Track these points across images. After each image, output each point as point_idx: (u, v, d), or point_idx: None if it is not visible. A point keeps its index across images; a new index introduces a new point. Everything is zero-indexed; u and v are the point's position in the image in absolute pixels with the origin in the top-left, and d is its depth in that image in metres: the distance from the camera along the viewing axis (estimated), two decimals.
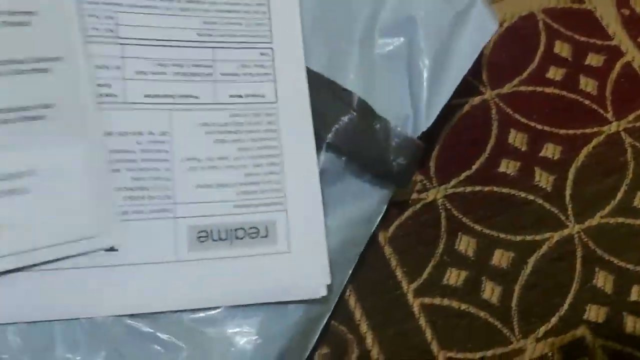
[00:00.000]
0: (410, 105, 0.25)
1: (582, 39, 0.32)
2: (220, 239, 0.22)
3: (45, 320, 0.20)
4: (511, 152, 0.29)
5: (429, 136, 0.27)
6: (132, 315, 0.21)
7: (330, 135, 0.24)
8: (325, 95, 0.24)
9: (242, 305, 0.21)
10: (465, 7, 0.25)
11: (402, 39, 0.25)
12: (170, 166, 0.22)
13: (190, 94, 0.23)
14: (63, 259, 0.20)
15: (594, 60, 0.31)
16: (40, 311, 0.20)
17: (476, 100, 0.30)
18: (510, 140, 0.29)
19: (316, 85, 0.24)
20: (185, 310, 0.21)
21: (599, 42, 0.32)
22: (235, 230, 0.23)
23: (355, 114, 0.24)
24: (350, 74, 0.24)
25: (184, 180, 0.22)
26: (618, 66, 0.31)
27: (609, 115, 0.30)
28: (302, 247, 0.22)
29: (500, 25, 0.32)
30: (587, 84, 0.31)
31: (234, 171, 0.23)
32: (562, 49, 0.32)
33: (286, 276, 0.21)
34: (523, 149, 0.29)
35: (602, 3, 0.33)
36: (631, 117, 0.30)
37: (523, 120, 0.30)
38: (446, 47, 0.24)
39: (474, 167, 0.29)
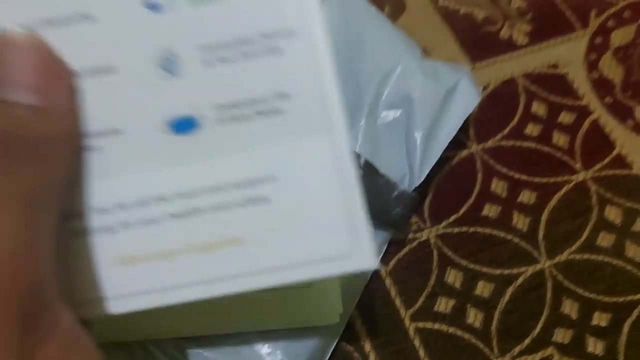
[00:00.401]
0: (406, 165, 0.30)
1: (556, 99, 0.37)
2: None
3: None
4: (493, 198, 0.34)
5: (424, 184, 0.33)
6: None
7: None
8: None
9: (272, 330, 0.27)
10: (454, 84, 0.31)
11: (400, 112, 0.30)
12: None
13: None
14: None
15: (565, 118, 0.37)
16: None
17: (464, 153, 0.35)
18: (493, 188, 0.35)
19: None
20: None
21: (570, 102, 0.37)
22: None
23: (362, 172, 0.30)
24: (359, 139, 0.30)
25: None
26: (587, 123, 0.36)
27: (578, 166, 0.35)
28: (320, 284, 0.27)
29: (485, 88, 0.37)
30: (560, 139, 0.36)
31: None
32: (538, 108, 0.37)
33: (307, 307, 0.26)
34: (503, 195, 0.34)
35: (574, 68, 0.38)
36: (597, 167, 0.35)
37: (504, 170, 0.35)
38: (437, 119, 0.30)
39: (462, 211, 0.34)
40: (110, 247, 0.16)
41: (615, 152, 0.36)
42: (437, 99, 0.30)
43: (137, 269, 0.16)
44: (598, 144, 0.36)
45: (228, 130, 0.16)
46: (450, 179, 0.35)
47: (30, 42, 0.15)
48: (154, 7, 0.15)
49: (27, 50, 0.14)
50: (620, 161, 0.35)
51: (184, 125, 0.16)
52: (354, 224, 0.17)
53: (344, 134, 0.17)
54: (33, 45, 0.15)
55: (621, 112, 0.37)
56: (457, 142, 0.35)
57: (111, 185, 0.16)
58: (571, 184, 0.35)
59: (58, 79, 0.15)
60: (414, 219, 0.34)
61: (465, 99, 0.30)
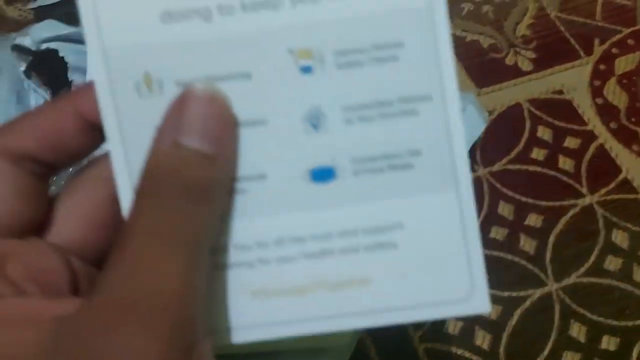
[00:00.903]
0: None
1: (561, 124, 0.38)
2: None
3: None
4: (500, 221, 0.35)
5: None
6: None
7: None
8: None
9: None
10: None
11: None
12: None
13: None
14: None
15: (571, 142, 0.37)
16: None
17: (470, 176, 0.36)
18: (500, 210, 0.35)
19: None
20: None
21: (576, 127, 0.38)
22: None
23: None
24: None
25: None
26: (592, 148, 0.37)
27: (584, 190, 0.36)
28: None
29: (492, 113, 0.38)
30: (565, 163, 0.37)
31: None
32: (544, 133, 0.37)
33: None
34: (510, 218, 0.35)
35: (579, 93, 0.39)
36: (603, 191, 0.36)
37: (510, 193, 0.36)
38: None
39: None
40: (247, 281, 0.18)
41: (621, 177, 0.36)
42: None
43: (270, 302, 0.18)
44: (604, 169, 0.36)
45: (362, 181, 0.18)
46: None
47: (210, 96, 0.17)
48: (306, 70, 0.18)
49: (206, 102, 0.16)
50: (627, 185, 0.36)
51: (323, 175, 0.18)
52: (473, 272, 0.18)
53: (469, 189, 0.18)
54: (211, 98, 0.17)
55: (626, 137, 0.37)
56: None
57: (253, 224, 0.18)
58: (577, 208, 0.35)
59: (229, 131, 0.17)
60: None
61: (472, 126, 0.31)
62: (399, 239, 0.18)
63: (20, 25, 0.40)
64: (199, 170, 0.16)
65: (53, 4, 0.30)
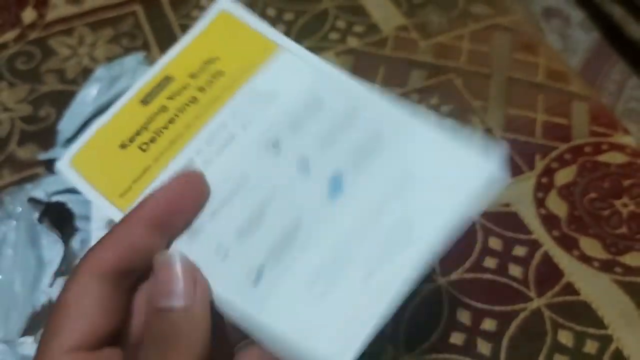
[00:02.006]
0: None
1: (510, 234, 0.43)
2: None
3: None
4: (459, 326, 0.39)
5: (399, 316, 0.37)
6: None
7: None
8: None
9: None
10: None
11: None
12: None
13: None
14: None
15: (519, 251, 0.42)
16: None
17: (432, 286, 0.40)
18: (458, 317, 0.39)
19: None
20: None
21: (522, 237, 0.43)
22: None
23: None
24: None
25: None
26: (538, 255, 0.42)
27: (532, 295, 0.40)
28: None
29: None
30: (515, 270, 0.41)
31: None
32: (494, 243, 0.42)
33: None
34: (467, 324, 0.39)
35: (524, 206, 0.44)
36: (549, 294, 0.40)
37: (467, 300, 0.40)
38: None
39: (432, 339, 0.39)
40: None
41: (564, 280, 0.41)
42: None
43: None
44: (549, 274, 0.41)
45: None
46: (421, 309, 0.40)
47: (182, 264, 0.22)
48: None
49: (179, 268, 0.22)
50: (569, 288, 0.40)
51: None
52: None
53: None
54: (184, 265, 0.22)
55: (567, 244, 0.42)
56: (426, 276, 0.40)
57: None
58: (527, 311, 0.40)
59: (199, 285, 0.22)
60: (390, 347, 0.38)
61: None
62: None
63: (30, 166, 0.45)
64: (180, 324, 0.21)
65: None
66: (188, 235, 0.24)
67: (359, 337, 0.22)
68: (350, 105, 0.26)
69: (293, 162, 0.25)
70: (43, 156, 0.38)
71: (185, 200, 0.23)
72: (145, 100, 0.26)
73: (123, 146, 0.25)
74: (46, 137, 0.47)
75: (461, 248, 0.42)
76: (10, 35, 0.55)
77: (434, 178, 0.24)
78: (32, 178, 0.43)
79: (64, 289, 0.21)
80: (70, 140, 0.35)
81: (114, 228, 0.22)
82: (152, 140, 0.25)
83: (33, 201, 0.34)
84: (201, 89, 0.26)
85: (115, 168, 0.25)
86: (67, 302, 0.21)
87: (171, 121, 0.26)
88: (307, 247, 0.23)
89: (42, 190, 0.34)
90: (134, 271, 0.22)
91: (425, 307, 0.40)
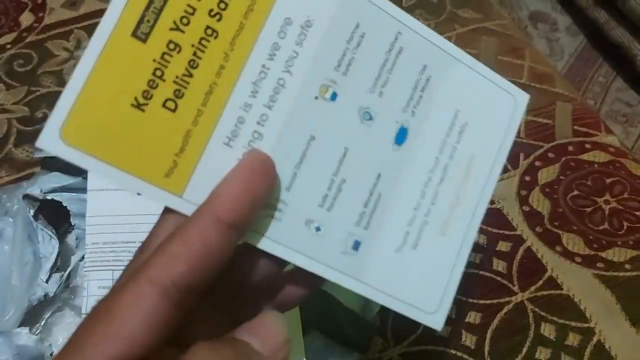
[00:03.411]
0: (365, 297, 0.36)
1: (494, 230, 0.44)
2: None
3: None
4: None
5: (387, 309, 0.38)
6: None
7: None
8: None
9: None
10: None
11: None
12: None
13: None
14: None
15: (503, 246, 0.43)
16: None
17: None
18: None
19: None
20: None
21: (506, 232, 0.44)
22: None
23: (328, 305, 0.35)
24: None
25: None
26: (521, 250, 0.43)
27: (515, 289, 0.41)
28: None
29: None
30: (499, 265, 0.42)
31: None
32: (479, 238, 0.43)
33: None
34: (453, 317, 0.40)
35: (508, 203, 0.45)
36: (532, 289, 0.41)
37: None
38: None
39: (418, 331, 0.40)
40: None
41: (547, 275, 0.42)
42: None
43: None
44: (532, 268, 0.42)
45: None
46: None
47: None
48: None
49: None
50: (552, 282, 0.42)
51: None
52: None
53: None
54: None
55: (550, 240, 0.43)
56: None
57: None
58: (510, 305, 0.41)
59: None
60: (379, 340, 0.39)
61: None
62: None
63: (26, 166, 0.46)
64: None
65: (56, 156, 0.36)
66: (272, 221, 0.21)
67: (450, 288, 0.24)
68: (390, 34, 0.23)
69: (354, 113, 0.22)
70: (39, 154, 0.39)
71: (259, 188, 0.19)
72: (139, 34, 0.19)
73: (138, 105, 0.19)
74: None
75: None
76: (8, 38, 0.56)
77: (480, 113, 0.24)
78: (28, 177, 0.44)
79: (116, 292, 0.18)
80: None
81: (182, 228, 0.18)
82: (178, 94, 0.20)
83: (28, 198, 0.35)
84: (214, 14, 0.20)
85: (139, 137, 0.19)
86: (113, 310, 0.17)
87: (193, 65, 0.20)
88: (393, 202, 0.23)
89: (37, 187, 0.35)
90: (203, 284, 0.18)
91: None
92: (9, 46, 0.55)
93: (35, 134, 0.51)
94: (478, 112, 0.24)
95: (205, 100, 0.20)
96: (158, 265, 0.18)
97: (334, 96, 0.22)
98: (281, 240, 0.21)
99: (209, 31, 0.20)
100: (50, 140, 0.18)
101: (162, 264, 0.18)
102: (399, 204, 0.23)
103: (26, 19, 0.58)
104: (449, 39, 0.56)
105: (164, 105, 0.19)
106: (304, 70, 0.21)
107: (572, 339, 0.39)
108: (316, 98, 0.21)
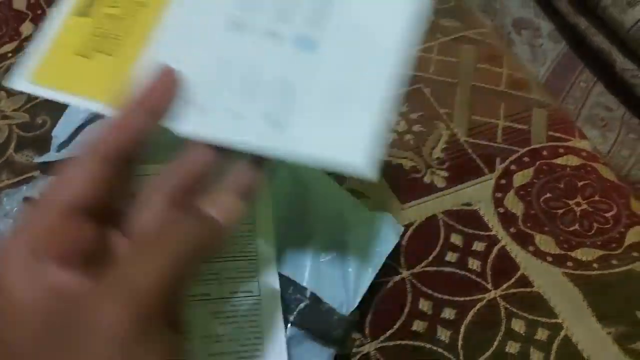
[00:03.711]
0: (344, 295, 0.38)
1: (470, 231, 0.46)
2: None
3: None
4: (421, 315, 0.42)
5: (365, 305, 0.41)
6: None
7: (292, 317, 0.37)
8: (290, 290, 0.38)
9: None
10: (377, 231, 0.40)
11: (337, 254, 0.39)
12: None
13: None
14: None
15: (478, 246, 0.45)
16: None
17: (397, 278, 0.44)
18: (420, 306, 0.43)
19: (285, 284, 0.38)
20: None
21: (482, 233, 0.46)
22: None
23: (309, 302, 0.38)
24: (305, 276, 0.38)
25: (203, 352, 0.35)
26: (495, 250, 0.45)
27: (489, 286, 0.44)
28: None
29: (413, 224, 0.46)
30: (473, 264, 0.45)
31: (233, 343, 0.36)
32: (456, 239, 0.46)
33: None
34: (429, 313, 0.42)
35: (484, 205, 0.47)
36: (504, 286, 0.44)
37: (429, 291, 0.43)
38: (364, 258, 0.39)
39: (395, 327, 0.42)
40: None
41: (519, 274, 0.44)
42: (364, 243, 0.39)
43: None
44: (505, 267, 0.45)
45: None
46: (386, 300, 0.43)
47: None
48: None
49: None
50: (524, 280, 0.44)
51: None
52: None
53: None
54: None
55: (523, 240, 0.46)
56: (391, 269, 0.44)
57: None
58: (484, 302, 0.43)
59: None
60: (357, 335, 0.41)
61: (386, 242, 0.39)
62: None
63: (26, 170, 0.49)
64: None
65: (54, 161, 0.39)
66: (199, 114, 0.27)
67: (375, 144, 0.26)
68: None
69: (262, 36, 0.28)
70: (38, 159, 0.41)
71: (169, 85, 0.27)
72: (83, 12, 0.30)
73: (85, 55, 0.29)
74: (42, 143, 0.50)
75: (425, 243, 0.45)
76: (9, 47, 0.58)
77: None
78: (28, 181, 0.47)
79: (63, 165, 0.25)
80: (63, 144, 0.39)
81: (118, 116, 0.26)
82: (115, 43, 0.29)
83: (28, 201, 0.37)
84: None
85: (87, 73, 0.29)
86: (62, 174, 0.24)
87: (125, 25, 0.29)
88: (307, 91, 0.27)
89: (36, 190, 0.37)
90: (136, 158, 0.26)
91: (390, 297, 0.43)
92: (10, 55, 0.58)
93: (35, 139, 0.54)
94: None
95: (135, 44, 0.29)
96: (100, 142, 0.25)
97: (240, 27, 0.29)
98: (207, 127, 0.27)
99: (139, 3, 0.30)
100: (20, 82, 0.29)
101: (102, 140, 0.25)
102: (317, 88, 0.28)
103: (27, 28, 0.60)
104: (431, 48, 0.59)
105: (104, 52, 0.29)
106: (213, 12, 0.29)
107: (541, 334, 0.42)
108: (227, 32, 0.29)
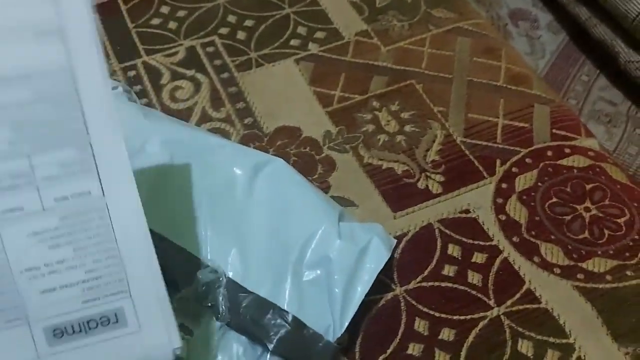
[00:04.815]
0: (330, 318, 0.34)
1: (469, 241, 0.42)
2: (75, 332, 0.27)
3: None
4: (416, 336, 0.38)
5: (355, 328, 0.36)
6: None
7: (272, 345, 0.33)
8: (269, 314, 0.34)
9: None
10: (366, 244, 0.35)
11: (321, 271, 0.35)
12: (10, 280, 0.25)
13: (15, 207, 0.25)
14: None
15: (478, 258, 0.41)
16: None
17: (389, 295, 0.40)
18: (416, 327, 0.38)
19: (263, 307, 0.34)
20: None
21: (482, 243, 0.42)
22: (87, 322, 0.27)
23: (290, 327, 0.33)
24: (286, 298, 0.34)
25: (28, 289, 0.26)
26: (497, 262, 0.41)
27: (491, 302, 0.39)
28: (151, 322, 0.27)
29: (406, 234, 0.42)
30: (474, 277, 0.40)
31: (74, 271, 0.26)
32: (453, 250, 0.42)
33: (139, 350, 0.27)
34: (425, 334, 0.38)
35: (483, 212, 0.43)
36: (509, 302, 0.39)
37: (425, 309, 0.39)
38: (353, 276, 0.34)
39: (389, 351, 0.38)
40: None
41: (524, 288, 0.40)
42: (352, 258, 0.34)
43: None
44: (509, 281, 0.40)
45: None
46: (378, 320, 0.39)
47: None
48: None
49: None
50: (530, 296, 0.40)
51: None
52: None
53: None
54: None
55: (528, 250, 0.41)
56: (383, 285, 0.39)
57: None
58: (486, 320, 0.39)
59: None
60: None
61: (377, 256, 0.35)
62: None
63: None
64: None
65: None
66: None
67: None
68: None
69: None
70: None
71: None
72: None
73: None
74: None
75: (419, 255, 0.41)
76: None
77: None
78: None
79: None
80: None
81: None
82: None
83: None
84: None
85: None
86: None
87: None
88: None
89: None
90: None
91: (382, 317, 0.39)
92: None
93: None
94: None
95: None
96: None
97: None
98: None
99: None
100: None
101: None
102: None
103: None
104: (423, 41, 0.55)
105: None
106: None
107: (551, 356, 0.37)
108: None
